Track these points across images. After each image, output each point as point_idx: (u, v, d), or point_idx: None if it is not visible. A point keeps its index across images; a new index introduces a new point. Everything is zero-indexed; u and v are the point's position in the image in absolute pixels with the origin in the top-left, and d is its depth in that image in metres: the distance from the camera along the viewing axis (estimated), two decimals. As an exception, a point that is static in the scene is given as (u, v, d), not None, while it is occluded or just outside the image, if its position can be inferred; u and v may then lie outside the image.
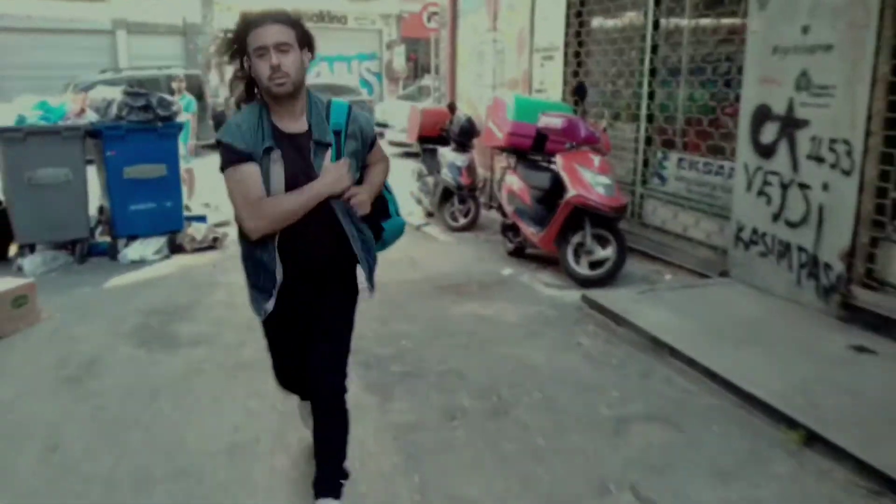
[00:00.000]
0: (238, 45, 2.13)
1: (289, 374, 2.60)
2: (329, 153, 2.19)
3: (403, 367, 3.76)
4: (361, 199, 2.22)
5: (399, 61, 22.22)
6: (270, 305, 2.26)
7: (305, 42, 2.17)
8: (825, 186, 4.12)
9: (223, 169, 2.16)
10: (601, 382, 3.56)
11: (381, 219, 2.41)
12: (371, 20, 23.52)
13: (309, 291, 2.29)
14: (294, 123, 2.18)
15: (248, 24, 2.10)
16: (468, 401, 3.35)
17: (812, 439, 2.82)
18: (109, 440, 3.00)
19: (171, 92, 8.64)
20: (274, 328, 2.43)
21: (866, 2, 3.83)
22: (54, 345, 4.12)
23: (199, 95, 12.26)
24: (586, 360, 3.84)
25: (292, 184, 2.12)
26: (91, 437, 3.03)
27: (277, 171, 2.12)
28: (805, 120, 4.22)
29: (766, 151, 4.53)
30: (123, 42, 18.89)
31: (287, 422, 3.09)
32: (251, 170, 2.11)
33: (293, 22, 2.14)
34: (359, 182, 2.30)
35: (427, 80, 15.77)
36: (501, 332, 4.28)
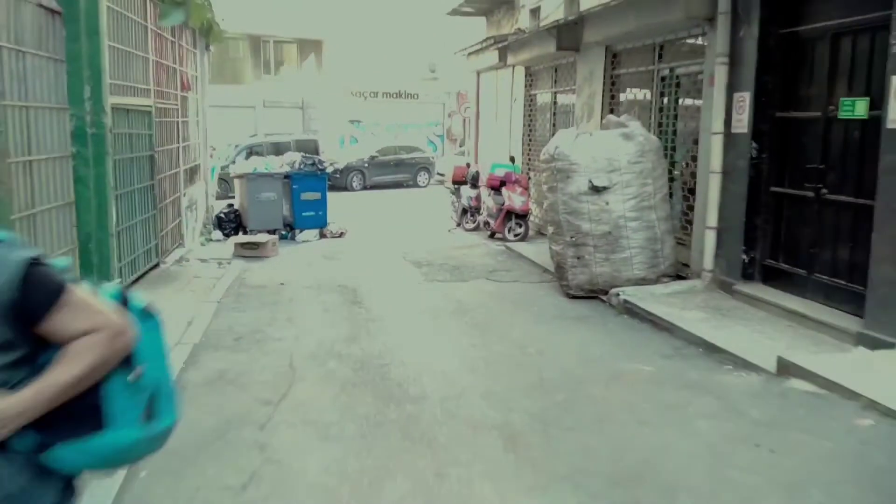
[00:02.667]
0: None
1: None
2: None
3: (429, 264, 10.07)
4: None
5: (457, 126, 29.02)
6: None
7: None
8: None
9: None
10: (494, 264, 9.91)
11: (64, 438, 1.38)
12: (437, 95, 29.52)
13: None
14: None
15: None
16: (449, 269, 9.68)
17: (545, 271, 9.03)
18: (332, 270, 9.51)
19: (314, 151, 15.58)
20: None
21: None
22: (292, 257, 10.69)
23: (315, 152, 18.98)
24: (495, 261, 10.17)
25: None
26: (335, 270, 9.55)
27: None
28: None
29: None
30: (261, 114, 25.87)
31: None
32: None
33: None
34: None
35: (474, 142, 22.41)
36: (470, 256, 10.60)
